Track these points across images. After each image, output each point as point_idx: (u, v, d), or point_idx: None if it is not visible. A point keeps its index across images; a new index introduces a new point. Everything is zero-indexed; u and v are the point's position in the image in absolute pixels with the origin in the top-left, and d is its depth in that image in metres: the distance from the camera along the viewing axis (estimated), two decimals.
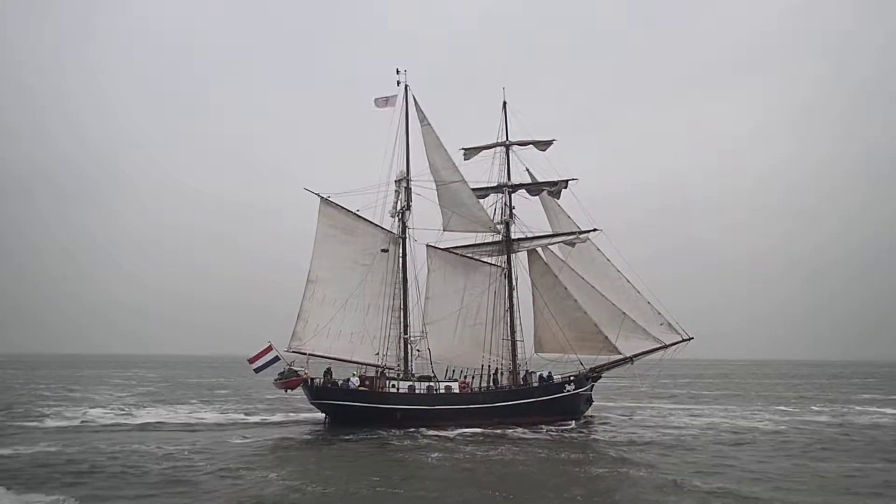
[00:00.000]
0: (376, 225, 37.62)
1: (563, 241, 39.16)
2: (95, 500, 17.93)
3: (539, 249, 39.99)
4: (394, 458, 25.49)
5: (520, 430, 33.07)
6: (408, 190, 38.06)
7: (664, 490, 19.51)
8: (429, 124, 37.77)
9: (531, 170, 40.00)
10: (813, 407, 47.47)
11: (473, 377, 37.74)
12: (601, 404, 41.43)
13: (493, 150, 40.26)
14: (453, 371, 38.06)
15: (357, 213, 37.36)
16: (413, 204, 38.20)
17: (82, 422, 34.88)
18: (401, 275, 37.70)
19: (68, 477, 20.65)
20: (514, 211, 39.89)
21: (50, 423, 34.14)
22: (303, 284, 37.01)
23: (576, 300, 38.36)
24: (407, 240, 38.08)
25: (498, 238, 39.52)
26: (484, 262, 39.64)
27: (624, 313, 37.62)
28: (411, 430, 32.54)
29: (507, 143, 40.03)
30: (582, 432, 33.18)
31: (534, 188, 39.86)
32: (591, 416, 39.11)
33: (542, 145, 39.78)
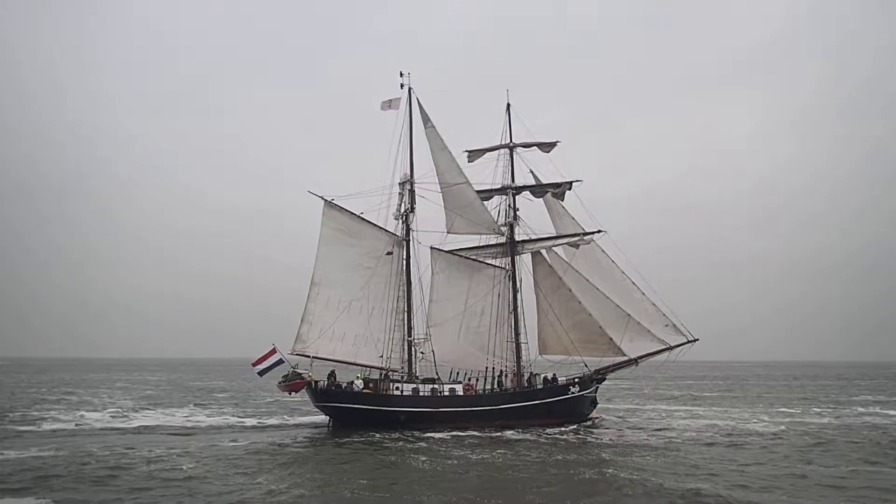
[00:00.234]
0: (380, 227, 37.56)
1: (567, 243, 39.10)
2: None
3: (543, 251, 39.93)
4: (383, 461, 25.22)
5: (509, 432, 32.87)
6: (412, 192, 38.01)
7: (651, 494, 19.39)
8: (433, 126, 37.76)
9: (535, 172, 40.02)
10: (814, 409, 47.35)
11: (477, 379, 37.62)
12: (604, 406, 41.29)
13: (496, 152, 40.22)
14: (457, 373, 37.97)
15: (361, 215, 37.34)
16: (417, 206, 38.17)
17: (77, 425, 34.73)
18: (405, 277, 37.63)
19: (52, 480, 20.57)
20: (517, 213, 39.86)
21: (45, 426, 34.02)
22: (304, 287, 37.03)
23: (580, 302, 38.28)
24: (411, 242, 38.03)
25: (502, 240, 39.47)
26: (488, 264, 39.58)
27: (628, 315, 37.52)
28: (415, 433, 32.38)
29: (511, 144, 39.99)
30: (579, 434, 33.04)
31: (538, 190, 39.81)
32: (595, 418, 38.98)
33: (546, 147, 39.74)
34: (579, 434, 33.26)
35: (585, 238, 38.51)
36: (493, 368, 37.94)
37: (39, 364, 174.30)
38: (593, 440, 31.22)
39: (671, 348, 37.50)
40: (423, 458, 25.44)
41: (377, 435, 31.61)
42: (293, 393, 35.47)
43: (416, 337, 37.42)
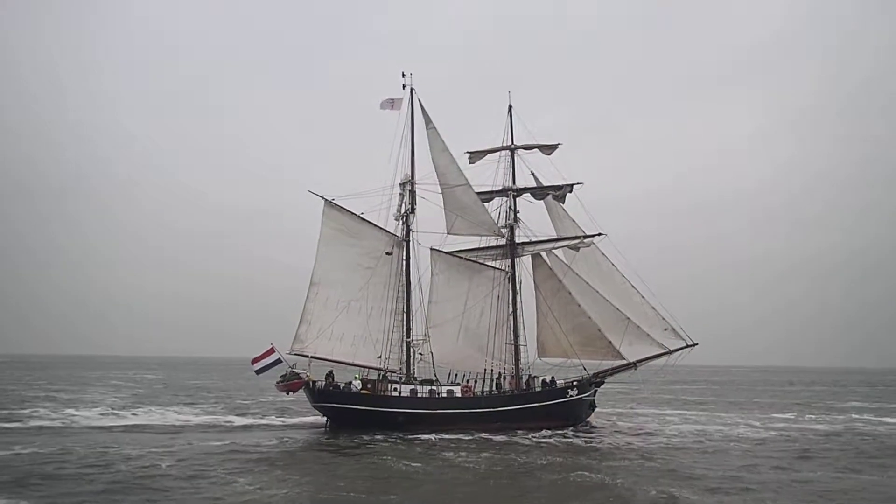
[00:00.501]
0: (380, 228, 37.42)
1: (567, 246, 39.06)
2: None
3: (543, 254, 39.90)
4: (364, 464, 24.87)
5: (506, 435, 32.75)
6: (412, 193, 37.90)
7: (626, 498, 19.33)
8: (434, 127, 37.69)
9: (536, 174, 39.99)
10: (808, 415, 47.37)
11: (476, 381, 37.53)
12: (600, 410, 41.24)
13: (497, 153, 40.17)
14: (456, 375, 37.87)
15: (361, 215, 37.22)
16: (417, 207, 38.06)
17: (63, 423, 34.34)
18: (404, 278, 37.50)
19: (30, 479, 20.24)
20: (518, 215, 39.81)
21: (31, 423, 33.67)
22: (303, 286, 36.84)
23: (580, 305, 38.26)
24: (411, 243, 37.91)
25: (502, 242, 39.42)
26: (488, 265, 39.53)
27: (628, 318, 37.49)
28: (411, 434, 32.24)
29: (513, 146, 39.94)
30: (573, 438, 32.94)
31: (539, 192, 39.79)
32: (592, 422, 38.91)
33: (547, 149, 39.70)
34: (573, 437, 33.13)
35: (586, 241, 38.49)
36: (492, 370, 37.84)
37: (35, 362, 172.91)
38: (585, 444, 31.05)
39: (670, 352, 37.49)
40: (418, 461, 25.19)
41: (366, 437, 31.28)
42: (291, 393, 35.28)
43: (414, 338, 37.28)
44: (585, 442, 31.82)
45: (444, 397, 35.36)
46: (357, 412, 34.12)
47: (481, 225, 38.50)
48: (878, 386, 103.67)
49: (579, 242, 38.50)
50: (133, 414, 39.59)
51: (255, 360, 34.75)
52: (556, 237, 39.92)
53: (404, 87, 37.84)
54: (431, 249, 38.75)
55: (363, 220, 37.29)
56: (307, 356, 35.41)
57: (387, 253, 37.21)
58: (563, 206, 39.61)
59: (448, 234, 38.79)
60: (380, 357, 36.36)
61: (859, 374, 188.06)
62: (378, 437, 31.45)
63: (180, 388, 69.84)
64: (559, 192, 39.24)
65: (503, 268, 39.55)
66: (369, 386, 35.24)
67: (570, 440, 32.19)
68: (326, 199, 36.96)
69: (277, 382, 35.08)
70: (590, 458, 26.56)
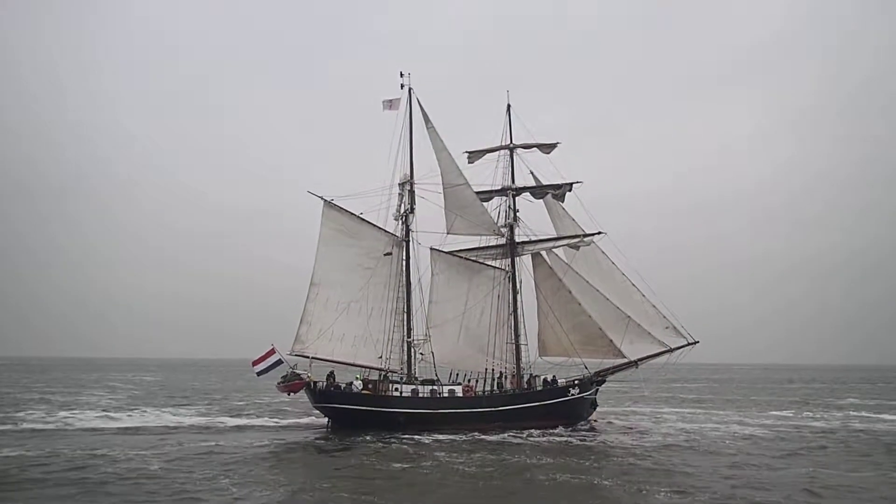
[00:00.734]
0: (380, 228, 37.34)
1: (567, 245, 39.00)
2: None
3: (543, 253, 39.82)
4: (352, 465, 24.67)
5: (507, 434, 32.68)
6: (411, 193, 37.80)
7: (616, 501, 19.24)
8: (433, 127, 37.60)
9: (535, 173, 39.90)
10: (807, 412, 47.40)
11: (477, 381, 37.45)
12: (601, 408, 41.15)
13: (496, 153, 40.08)
14: (457, 375, 37.76)
15: (361, 216, 37.10)
16: (417, 207, 37.96)
17: (57, 426, 34.09)
18: (404, 278, 37.41)
19: (7, 480, 20.07)
20: (518, 214, 39.73)
21: (25, 426, 33.42)
22: (303, 287, 36.77)
23: (580, 303, 38.20)
24: (410, 243, 37.81)
25: (502, 241, 39.33)
26: (488, 265, 39.43)
27: (629, 317, 37.45)
28: (413, 434, 32.12)
29: (512, 146, 39.86)
30: (572, 437, 32.82)
31: (538, 191, 39.71)
32: (594, 420, 38.83)
33: (546, 148, 39.63)
34: (573, 437, 33.01)
35: (586, 239, 38.43)
36: (493, 370, 37.77)
37: (38, 364, 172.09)
38: (585, 443, 30.90)
39: (671, 350, 37.46)
40: (405, 461, 25.04)
41: (357, 438, 31.11)
42: (292, 394, 35.16)
43: (415, 338, 37.21)
44: (579, 440, 31.75)
45: (445, 397, 35.27)
46: (358, 412, 34.02)
47: (481, 224, 38.41)
48: (878, 383, 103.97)
49: (579, 241, 38.44)
50: (128, 415, 39.37)
51: (256, 362, 34.61)
52: (555, 236, 39.85)
53: (402, 86, 37.84)
54: (431, 249, 38.69)
55: (362, 220, 37.18)
56: (308, 357, 35.32)
57: (386, 253, 37.11)
58: (563, 204, 39.56)
59: (448, 233, 38.72)
60: (380, 357, 36.29)
61: (860, 371, 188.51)
62: (368, 437, 31.32)
63: (178, 389, 69.49)
64: (558, 191, 39.18)
65: (503, 267, 39.47)
66: (370, 386, 35.16)
67: (564, 439, 32.08)
68: (325, 200, 36.85)
69: (278, 383, 34.95)
70: (581, 457, 26.42)
